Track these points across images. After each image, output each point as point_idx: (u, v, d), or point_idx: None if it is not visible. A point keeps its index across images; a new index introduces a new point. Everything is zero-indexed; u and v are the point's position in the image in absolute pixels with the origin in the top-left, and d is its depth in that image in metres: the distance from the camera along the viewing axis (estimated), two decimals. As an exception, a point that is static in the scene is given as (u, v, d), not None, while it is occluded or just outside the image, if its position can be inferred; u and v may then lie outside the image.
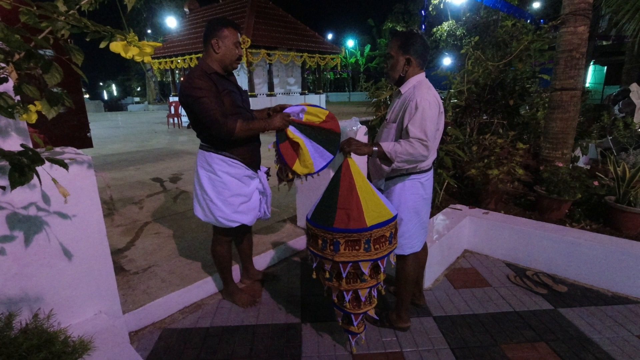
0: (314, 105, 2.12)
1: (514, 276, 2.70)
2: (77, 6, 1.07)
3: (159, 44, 1.18)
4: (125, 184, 5.07)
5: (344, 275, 1.72)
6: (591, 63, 12.93)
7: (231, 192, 2.06)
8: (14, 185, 0.99)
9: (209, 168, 2.04)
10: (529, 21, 6.19)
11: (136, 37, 1.01)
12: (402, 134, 1.83)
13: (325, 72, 25.72)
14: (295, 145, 2.03)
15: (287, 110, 2.08)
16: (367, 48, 35.83)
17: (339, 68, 15.56)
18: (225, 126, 1.86)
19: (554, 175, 3.16)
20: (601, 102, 9.85)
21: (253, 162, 2.13)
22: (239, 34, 2.01)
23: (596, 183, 3.18)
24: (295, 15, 13.82)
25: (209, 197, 2.07)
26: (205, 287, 2.46)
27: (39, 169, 1.03)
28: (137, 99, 35.02)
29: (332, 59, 14.01)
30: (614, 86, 11.92)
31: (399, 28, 29.30)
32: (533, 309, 2.34)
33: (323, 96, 14.57)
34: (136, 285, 2.36)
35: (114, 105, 31.20)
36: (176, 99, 13.40)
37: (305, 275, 2.73)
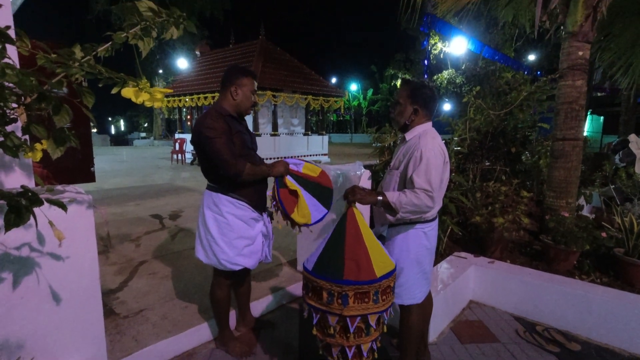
0: (309, 162, 2.22)
1: (523, 331, 2.56)
2: (94, 52, 1.10)
3: (170, 90, 1.20)
4: (124, 220, 5.01)
5: (351, 330, 1.61)
6: (588, 113, 13.29)
7: (236, 234, 2.03)
8: (8, 227, 0.95)
9: (215, 209, 2.02)
10: (525, 73, 6.44)
11: (148, 84, 1.02)
12: (406, 183, 1.81)
13: (328, 114, 26.45)
14: (294, 193, 2.08)
15: (286, 160, 2.15)
16: (370, 92, 37.17)
17: (342, 110, 15.97)
18: (235, 167, 1.88)
19: (560, 225, 3.10)
20: (600, 150, 9.99)
21: (259, 204, 2.12)
22: (256, 83, 2.08)
23: (604, 234, 3.11)
24: (302, 60, 14.45)
25: (213, 239, 2.03)
26: (198, 334, 2.33)
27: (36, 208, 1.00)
28: (143, 134, 35.89)
29: (336, 101, 14.44)
30: (612, 135, 12.15)
31: (400, 75, 30.50)
32: (546, 369, 2.20)
33: (326, 137, 14.82)
34: (125, 331, 2.24)
35: (120, 140, 31.90)
36: (181, 135, 13.67)
37: (304, 324, 2.59)
